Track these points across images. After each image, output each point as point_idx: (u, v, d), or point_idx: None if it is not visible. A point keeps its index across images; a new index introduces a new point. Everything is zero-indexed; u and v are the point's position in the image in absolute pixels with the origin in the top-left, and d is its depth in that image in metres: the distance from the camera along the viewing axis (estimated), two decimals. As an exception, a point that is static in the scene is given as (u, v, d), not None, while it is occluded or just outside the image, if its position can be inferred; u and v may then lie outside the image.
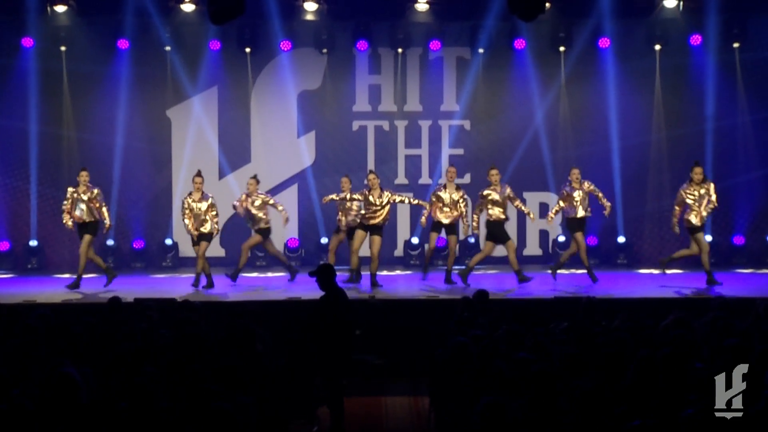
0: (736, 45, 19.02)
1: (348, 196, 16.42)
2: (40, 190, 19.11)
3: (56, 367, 8.16)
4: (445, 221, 16.31)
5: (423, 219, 16.61)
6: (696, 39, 19.01)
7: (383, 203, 16.14)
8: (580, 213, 16.08)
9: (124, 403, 7.46)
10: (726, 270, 17.38)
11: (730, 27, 18.82)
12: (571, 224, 16.22)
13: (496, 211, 16.01)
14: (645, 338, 9.59)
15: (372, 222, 16.13)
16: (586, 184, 16.14)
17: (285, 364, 9.77)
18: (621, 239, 19.12)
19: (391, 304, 14.34)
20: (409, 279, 17.50)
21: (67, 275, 17.71)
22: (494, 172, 16.16)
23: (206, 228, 16.16)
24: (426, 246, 17.24)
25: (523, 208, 16.49)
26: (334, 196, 16.48)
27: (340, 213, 16.85)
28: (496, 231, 16.08)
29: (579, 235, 16.10)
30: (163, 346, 9.80)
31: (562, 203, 16.21)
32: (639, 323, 10.79)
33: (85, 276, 16.15)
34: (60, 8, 18.58)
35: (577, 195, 16.04)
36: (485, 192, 16.07)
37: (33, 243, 18.99)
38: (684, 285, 15.84)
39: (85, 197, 15.83)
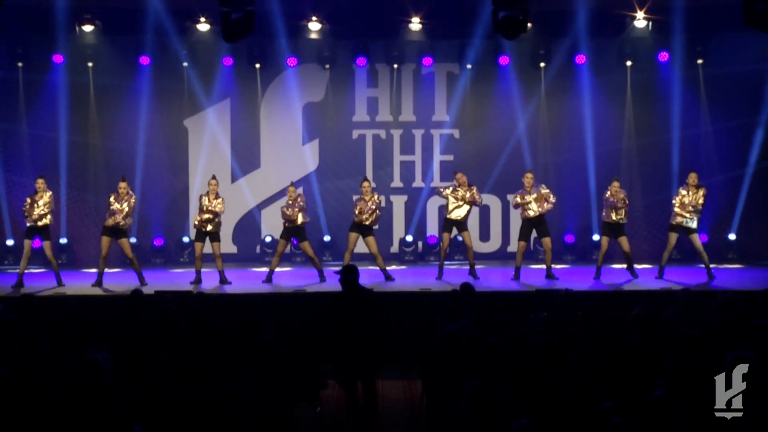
0: (699, 61, 19.05)
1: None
2: (68, 193, 19.07)
3: (82, 354, 8.13)
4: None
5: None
6: (663, 56, 19.03)
7: (373, 207, 16.12)
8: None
9: (142, 386, 7.44)
10: (690, 265, 17.36)
11: (694, 45, 18.83)
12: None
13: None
14: (615, 328, 9.56)
15: (366, 223, 16.14)
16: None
17: (288, 351, 9.73)
18: (596, 237, 19.08)
19: (387, 296, 14.29)
20: (404, 273, 17.46)
21: (93, 270, 17.67)
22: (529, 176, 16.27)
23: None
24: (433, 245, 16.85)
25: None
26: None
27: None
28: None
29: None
30: (179, 334, 9.77)
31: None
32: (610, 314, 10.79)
33: (110, 270, 16.12)
34: (87, 28, 18.57)
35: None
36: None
37: (63, 240, 18.95)
38: (652, 279, 15.86)
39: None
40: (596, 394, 7.33)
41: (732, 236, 19.10)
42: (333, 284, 14.30)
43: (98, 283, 15.57)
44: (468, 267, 16.36)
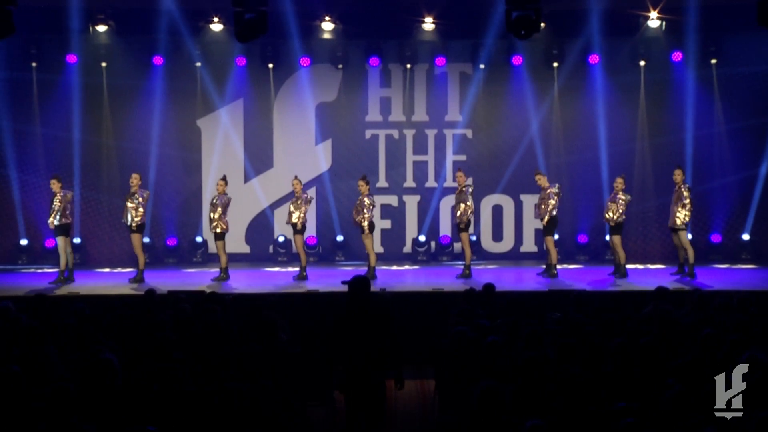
0: (713, 61, 19.00)
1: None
2: (82, 193, 19.09)
3: (96, 354, 8.15)
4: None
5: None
6: (677, 56, 18.98)
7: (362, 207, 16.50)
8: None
9: (156, 385, 7.46)
10: (704, 265, 17.31)
11: (707, 45, 18.79)
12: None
13: None
14: (627, 327, 9.55)
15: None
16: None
17: (302, 351, 9.74)
18: (609, 237, 19.04)
19: (400, 296, 14.30)
20: (417, 273, 17.46)
21: (107, 269, 17.76)
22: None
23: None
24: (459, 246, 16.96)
25: None
26: None
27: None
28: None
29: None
30: (192, 333, 9.79)
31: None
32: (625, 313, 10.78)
33: (124, 270, 16.18)
34: (101, 28, 18.63)
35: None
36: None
37: (76, 240, 18.97)
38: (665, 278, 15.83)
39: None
40: (609, 395, 7.33)
41: (745, 236, 19.04)
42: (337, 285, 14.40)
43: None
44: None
